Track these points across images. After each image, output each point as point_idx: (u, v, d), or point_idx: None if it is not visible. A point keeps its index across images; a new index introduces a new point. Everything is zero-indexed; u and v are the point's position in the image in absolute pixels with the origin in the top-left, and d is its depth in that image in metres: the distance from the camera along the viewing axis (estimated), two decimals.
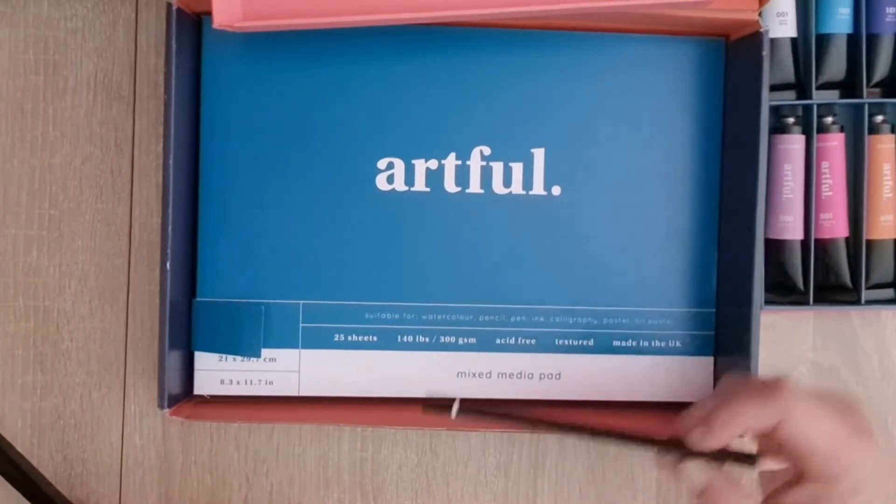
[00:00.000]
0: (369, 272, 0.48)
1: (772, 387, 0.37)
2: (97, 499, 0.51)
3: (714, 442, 0.38)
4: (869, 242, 0.49)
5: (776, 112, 0.50)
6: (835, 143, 0.49)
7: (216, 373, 0.48)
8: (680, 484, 0.40)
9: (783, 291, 0.50)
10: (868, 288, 0.50)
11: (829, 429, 0.37)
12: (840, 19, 0.49)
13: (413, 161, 0.48)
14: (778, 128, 0.50)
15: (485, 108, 0.48)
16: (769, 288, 0.50)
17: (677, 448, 0.39)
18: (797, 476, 0.38)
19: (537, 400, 0.49)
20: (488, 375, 0.49)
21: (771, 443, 0.39)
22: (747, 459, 0.39)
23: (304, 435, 0.51)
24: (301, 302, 0.48)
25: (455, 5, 0.41)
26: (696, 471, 0.39)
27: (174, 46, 0.44)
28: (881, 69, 0.49)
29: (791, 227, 0.49)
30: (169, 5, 0.44)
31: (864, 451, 0.37)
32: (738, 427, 0.38)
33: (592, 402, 0.49)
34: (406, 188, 0.48)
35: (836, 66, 0.49)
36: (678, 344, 0.49)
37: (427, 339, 0.48)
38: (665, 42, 0.48)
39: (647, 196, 0.49)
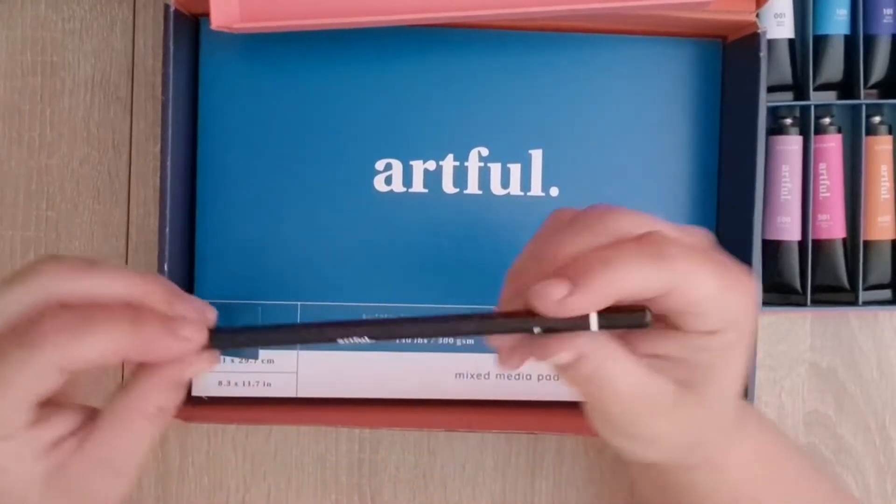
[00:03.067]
0: (367, 273, 0.48)
1: (657, 249, 0.30)
2: None
3: (584, 305, 0.30)
4: (866, 243, 0.50)
5: (773, 113, 0.50)
6: (832, 145, 0.49)
7: (214, 374, 0.48)
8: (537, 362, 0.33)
9: (781, 292, 0.50)
10: (865, 289, 0.50)
11: (717, 286, 0.31)
12: (837, 20, 0.49)
13: (411, 162, 0.48)
14: (775, 129, 0.50)
15: (482, 110, 0.48)
16: (767, 289, 0.50)
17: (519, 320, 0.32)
18: (665, 324, 0.33)
19: (536, 401, 0.49)
20: (486, 377, 0.49)
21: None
22: (638, 317, 0.31)
23: (301, 436, 0.51)
24: (299, 303, 0.48)
25: (452, 7, 0.41)
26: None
27: (172, 48, 0.44)
28: (878, 70, 0.49)
29: (788, 228, 0.49)
30: (166, 6, 0.44)
31: (745, 297, 0.32)
32: (624, 290, 0.30)
33: None
34: (404, 189, 0.48)
35: (833, 67, 0.50)
36: None
37: (425, 340, 0.48)
38: (662, 43, 0.48)
39: (645, 197, 0.49)
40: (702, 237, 0.34)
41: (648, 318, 0.31)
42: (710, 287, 0.30)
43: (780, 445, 0.41)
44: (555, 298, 0.30)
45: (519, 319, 0.31)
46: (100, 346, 0.31)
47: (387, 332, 0.33)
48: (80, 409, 0.34)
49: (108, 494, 0.34)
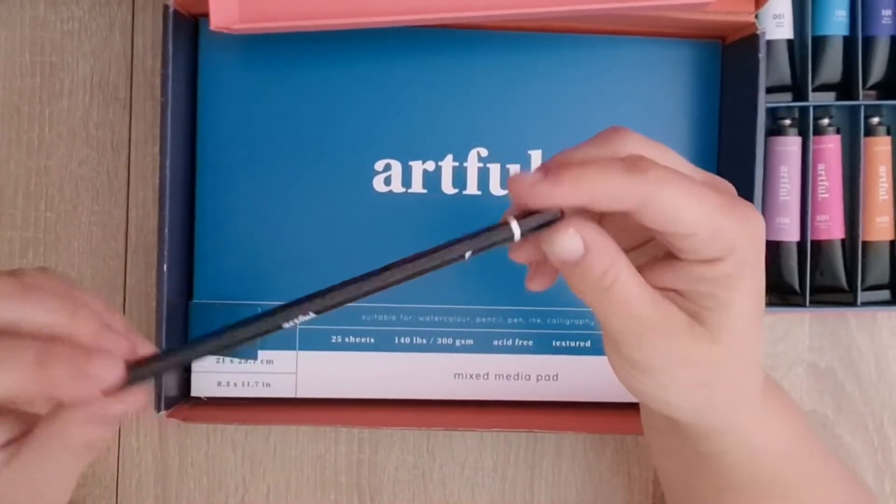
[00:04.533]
0: None
1: (631, 162, 0.30)
2: (94, 500, 0.51)
3: (551, 193, 0.30)
4: (865, 244, 0.50)
5: (772, 114, 0.50)
6: (831, 145, 0.49)
7: (213, 375, 0.48)
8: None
9: (780, 293, 0.50)
10: (864, 289, 0.50)
11: (702, 205, 0.30)
12: (836, 21, 0.49)
13: (410, 163, 0.48)
14: (774, 130, 0.50)
15: (482, 110, 0.48)
16: (766, 289, 0.50)
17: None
18: (664, 252, 0.33)
19: (534, 401, 0.49)
20: (485, 377, 0.49)
21: (619, 221, 0.33)
22: (552, 215, 0.31)
23: (300, 436, 0.51)
24: None
25: (451, 7, 0.41)
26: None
27: (171, 48, 0.44)
28: (877, 71, 0.49)
29: (787, 229, 0.49)
30: (165, 7, 0.44)
31: (742, 223, 0.32)
32: (593, 190, 0.30)
33: (590, 403, 0.49)
34: (403, 190, 0.48)
35: (832, 68, 0.50)
36: None
37: (424, 341, 0.48)
38: (662, 44, 0.48)
39: None
40: (717, 179, 0.34)
41: (560, 213, 0.31)
42: (693, 206, 0.30)
43: (805, 427, 0.40)
44: (527, 182, 0.30)
45: (449, 247, 0.32)
46: (3, 384, 0.29)
47: (326, 301, 0.33)
48: (21, 418, 0.32)
49: None
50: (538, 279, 0.35)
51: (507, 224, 0.31)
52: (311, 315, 0.32)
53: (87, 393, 0.30)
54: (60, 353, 0.30)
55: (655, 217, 0.30)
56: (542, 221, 0.31)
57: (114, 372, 0.31)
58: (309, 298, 0.32)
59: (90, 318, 0.31)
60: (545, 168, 0.31)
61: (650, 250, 0.34)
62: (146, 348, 0.32)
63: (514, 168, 0.48)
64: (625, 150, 0.32)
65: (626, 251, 0.33)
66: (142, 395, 0.32)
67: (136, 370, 0.31)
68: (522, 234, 0.31)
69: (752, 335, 0.34)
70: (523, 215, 0.31)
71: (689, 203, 0.30)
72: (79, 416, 0.31)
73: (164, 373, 0.32)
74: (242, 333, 0.32)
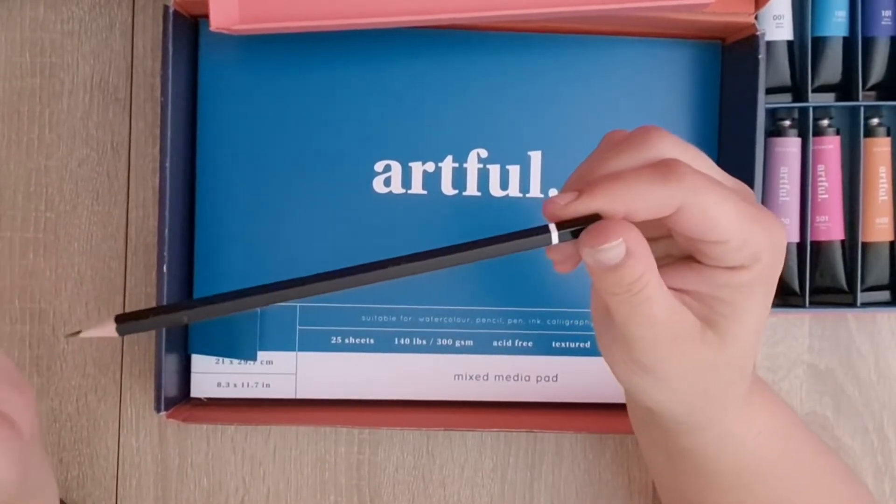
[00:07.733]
0: None
1: (666, 168, 0.30)
2: (94, 501, 0.50)
3: (586, 209, 0.31)
4: (865, 245, 0.50)
5: (772, 115, 0.50)
6: (831, 146, 0.49)
7: (213, 375, 0.48)
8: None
9: (779, 294, 0.50)
10: (864, 290, 0.50)
11: (736, 214, 0.31)
12: (836, 22, 0.49)
13: (410, 164, 0.48)
14: (774, 131, 0.50)
15: (482, 111, 0.48)
16: None
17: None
18: (685, 255, 0.33)
19: (534, 402, 0.49)
20: (485, 378, 0.49)
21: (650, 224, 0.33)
22: (593, 218, 0.31)
23: (300, 437, 0.51)
24: (298, 304, 0.48)
25: (452, 8, 0.41)
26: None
27: (171, 49, 0.44)
28: (877, 72, 0.49)
29: (787, 230, 0.49)
30: (166, 8, 0.44)
31: (769, 234, 0.32)
32: (629, 202, 0.30)
33: (589, 404, 0.49)
34: (403, 191, 0.48)
35: (832, 68, 0.50)
36: None
37: (424, 342, 0.48)
38: (661, 45, 0.48)
39: None
40: (743, 186, 0.34)
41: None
42: (729, 214, 0.30)
43: (795, 424, 0.40)
44: (561, 203, 0.31)
45: (485, 246, 0.32)
46: None
47: (299, 291, 0.32)
48: None
49: None
50: (566, 264, 0.34)
51: (546, 231, 0.31)
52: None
53: None
54: None
55: (692, 224, 0.31)
56: (580, 225, 0.31)
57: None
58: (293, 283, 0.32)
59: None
60: (575, 187, 0.31)
61: (667, 245, 0.34)
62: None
63: (513, 169, 0.48)
64: (657, 156, 0.31)
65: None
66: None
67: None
68: (561, 239, 0.32)
69: (755, 343, 0.34)
70: (561, 223, 0.31)
71: (725, 211, 0.30)
72: None
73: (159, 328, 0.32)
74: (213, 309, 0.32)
